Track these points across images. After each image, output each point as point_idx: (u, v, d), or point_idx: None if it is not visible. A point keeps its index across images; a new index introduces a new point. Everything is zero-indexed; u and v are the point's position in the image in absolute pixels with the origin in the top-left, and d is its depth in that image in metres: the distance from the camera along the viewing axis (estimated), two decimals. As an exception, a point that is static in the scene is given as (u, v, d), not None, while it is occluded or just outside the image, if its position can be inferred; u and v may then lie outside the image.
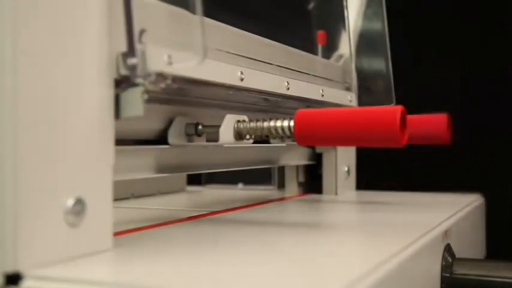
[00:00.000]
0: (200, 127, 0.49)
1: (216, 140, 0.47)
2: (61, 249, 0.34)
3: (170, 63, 0.38)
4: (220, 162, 0.57)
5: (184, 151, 0.51)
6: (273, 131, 0.46)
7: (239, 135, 0.48)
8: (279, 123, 0.46)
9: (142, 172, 0.47)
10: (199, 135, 0.49)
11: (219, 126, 0.47)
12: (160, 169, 0.49)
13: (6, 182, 0.31)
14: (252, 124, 0.47)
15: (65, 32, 0.34)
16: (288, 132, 0.46)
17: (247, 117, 0.49)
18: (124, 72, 0.38)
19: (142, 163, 0.47)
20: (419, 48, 0.90)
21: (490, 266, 0.44)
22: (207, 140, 0.49)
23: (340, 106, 0.72)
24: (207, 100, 0.53)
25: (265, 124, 0.47)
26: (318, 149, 0.77)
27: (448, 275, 0.45)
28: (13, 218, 0.31)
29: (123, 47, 0.37)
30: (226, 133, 0.47)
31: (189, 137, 0.50)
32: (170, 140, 0.48)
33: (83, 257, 0.35)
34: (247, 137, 0.48)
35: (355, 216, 0.50)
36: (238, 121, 0.48)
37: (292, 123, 0.45)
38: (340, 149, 0.76)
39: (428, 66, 0.89)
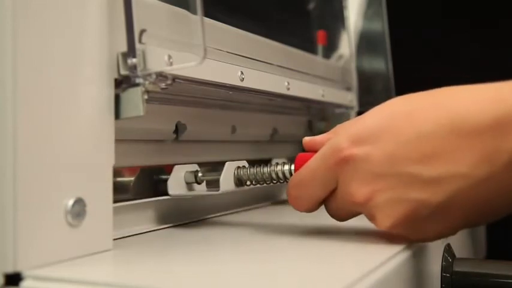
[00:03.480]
0: (200, 174, 0.49)
1: (217, 187, 0.47)
2: (61, 250, 0.34)
3: (170, 63, 0.38)
4: (221, 206, 0.57)
5: (185, 199, 0.51)
6: (274, 176, 0.46)
7: (240, 182, 0.48)
8: (279, 168, 0.46)
9: (143, 226, 0.47)
10: (199, 183, 0.49)
11: (219, 173, 0.47)
12: (161, 221, 0.49)
13: (6, 182, 0.31)
14: (252, 170, 0.47)
15: (65, 32, 0.34)
16: (288, 176, 0.45)
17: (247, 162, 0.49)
18: (124, 72, 0.38)
19: (143, 217, 0.47)
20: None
21: (490, 266, 0.44)
22: (208, 186, 0.49)
23: (341, 106, 0.72)
24: (210, 100, 0.53)
25: (265, 169, 0.46)
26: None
27: (448, 275, 0.44)
28: (13, 219, 0.31)
29: (123, 47, 0.37)
30: (226, 181, 0.47)
31: (188, 185, 0.49)
32: (170, 191, 0.47)
33: (83, 258, 0.35)
34: (248, 183, 0.48)
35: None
36: (238, 167, 0.48)
37: (292, 167, 0.45)
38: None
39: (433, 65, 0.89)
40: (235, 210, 0.59)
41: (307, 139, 0.44)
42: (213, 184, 0.48)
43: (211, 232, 0.47)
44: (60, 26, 0.34)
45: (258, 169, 0.47)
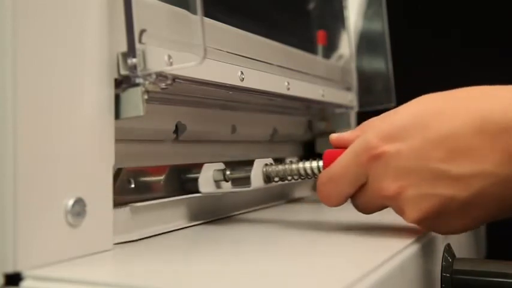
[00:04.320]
0: (228, 172, 0.50)
1: (243, 184, 0.48)
2: (61, 250, 0.34)
3: (170, 63, 0.38)
4: (241, 204, 0.58)
5: (212, 197, 0.52)
6: (302, 172, 0.47)
7: (268, 179, 0.49)
8: (307, 164, 0.47)
9: (177, 222, 0.48)
10: (227, 181, 0.50)
11: (245, 170, 0.48)
12: (194, 218, 0.50)
13: (7, 182, 0.31)
14: (281, 167, 0.49)
15: (65, 32, 0.34)
16: (317, 172, 0.47)
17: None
18: (124, 72, 0.38)
19: (177, 213, 0.48)
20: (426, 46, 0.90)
21: (490, 266, 0.44)
22: (233, 183, 0.50)
23: (341, 106, 0.72)
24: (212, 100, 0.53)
25: (294, 166, 0.48)
26: (318, 149, 0.77)
27: (448, 275, 0.44)
28: (13, 219, 0.31)
29: (123, 47, 0.37)
30: (256, 178, 0.48)
31: (217, 183, 0.50)
32: (201, 188, 0.48)
33: (83, 258, 0.35)
34: (276, 179, 0.49)
35: (356, 216, 0.49)
36: (266, 164, 0.49)
37: (321, 163, 0.46)
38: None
39: (435, 65, 0.89)
40: (252, 208, 0.60)
41: (334, 136, 0.46)
42: (238, 182, 0.49)
43: (211, 232, 0.47)
44: (60, 26, 0.34)
45: (287, 166, 0.48)
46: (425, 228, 0.42)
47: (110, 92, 0.37)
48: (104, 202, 0.37)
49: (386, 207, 0.43)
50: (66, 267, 0.33)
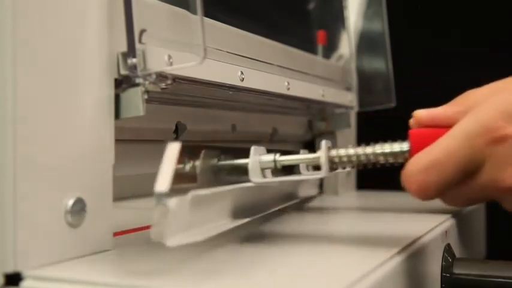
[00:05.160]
0: (280, 158, 0.41)
1: (318, 171, 0.41)
2: (61, 250, 0.34)
3: (170, 63, 0.38)
4: (269, 201, 0.51)
5: (253, 190, 0.43)
6: (381, 158, 0.38)
7: (332, 165, 0.40)
8: (387, 148, 0.38)
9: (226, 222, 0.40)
10: (278, 168, 0.41)
11: (293, 157, 0.41)
12: (238, 213, 0.41)
13: (6, 182, 0.31)
14: (351, 151, 0.39)
15: (65, 32, 0.34)
16: (400, 158, 0.38)
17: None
18: (124, 72, 0.38)
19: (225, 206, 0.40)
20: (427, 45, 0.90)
21: (490, 266, 0.44)
22: (274, 175, 0.42)
23: (341, 106, 0.72)
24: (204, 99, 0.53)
25: (368, 150, 0.39)
26: (318, 149, 0.77)
27: (448, 275, 0.44)
28: (13, 219, 0.31)
29: (123, 47, 0.37)
30: (326, 163, 0.40)
31: (262, 171, 0.41)
32: (253, 178, 0.40)
33: (83, 258, 0.35)
34: (342, 166, 0.40)
35: (356, 217, 0.50)
36: (329, 148, 0.40)
37: (406, 146, 0.38)
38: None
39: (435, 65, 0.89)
40: (276, 208, 0.55)
41: (423, 112, 0.38)
42: (281, 172, 0.42)
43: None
44: (60, 26, 0.34)
45: (359, 149, 0.39)
46: None
47: (110, 92, 0.37)
48: (104, 202, 0.37)
49: (488, 200, 0.37)
50: (66, 267, 0.33)
